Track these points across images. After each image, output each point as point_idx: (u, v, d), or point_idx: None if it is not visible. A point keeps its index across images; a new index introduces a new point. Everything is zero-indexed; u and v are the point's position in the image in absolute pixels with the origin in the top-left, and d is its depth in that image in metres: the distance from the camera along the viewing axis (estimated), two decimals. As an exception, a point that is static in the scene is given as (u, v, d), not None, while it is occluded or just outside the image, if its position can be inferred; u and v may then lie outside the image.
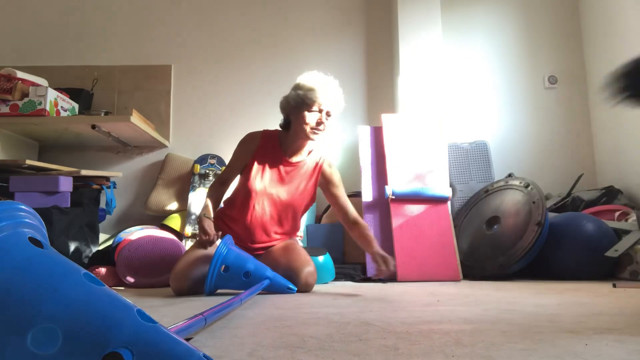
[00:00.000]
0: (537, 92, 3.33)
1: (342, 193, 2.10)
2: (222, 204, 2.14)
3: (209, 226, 1.91)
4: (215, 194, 2.07)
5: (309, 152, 2.09)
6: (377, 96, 3.31)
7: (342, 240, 2.77)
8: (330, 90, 1.96)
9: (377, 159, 2.75)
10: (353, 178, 3.10)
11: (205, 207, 1.99)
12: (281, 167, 2.03)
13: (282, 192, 2.02)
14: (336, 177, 2.11)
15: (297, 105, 1.96)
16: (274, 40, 3.35)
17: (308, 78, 1.99)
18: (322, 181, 2.10)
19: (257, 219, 2.01)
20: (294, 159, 2.06)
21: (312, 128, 1.94)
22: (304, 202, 2.08)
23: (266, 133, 2.09)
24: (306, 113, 1.94)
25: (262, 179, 2.01)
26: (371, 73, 3.34)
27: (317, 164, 2.08)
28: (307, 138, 1.97)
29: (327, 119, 1.96)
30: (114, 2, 3.37)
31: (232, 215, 2.06)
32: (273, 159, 2.03)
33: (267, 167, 2.02)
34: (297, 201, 2.05)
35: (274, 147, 2.05)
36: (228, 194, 2.17)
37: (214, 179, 2.47)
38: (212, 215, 1.97)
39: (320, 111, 1.94)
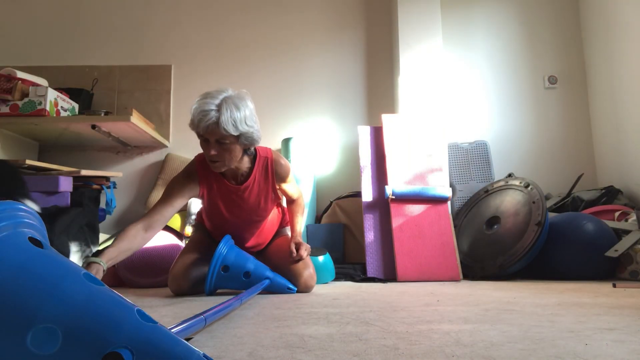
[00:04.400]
0: (537, 92, 3.33)
1: (288, 185, 1.97)
2: (202, 214, 2.04)
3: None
4: (131, 241, 1.62)
5: (254, 165, 1.87)
6: (377, 96, 3.31)
7: (342, 240, 2.77)
8: (204, 113, 1.63)
9: (377, 159, 2.75)
10: (353, 178, 3.11)
11: (106, 249, 1.54)
12: (234, 196, 1.87)
13: (246, 211, 1.91)
14: (286, 174, 1.93)
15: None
16: (275, 41, 3.35)
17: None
18: (277, 178, 1.94)
19: (235, 235, 1.96)
20: (241, 183, 1.87)
21: (209, 161, 1.74)
22: (271, 200, 1.95)
23: (199, 161, 1.87)
24: (201, 145, 1.74)
25: (222, 213, 1.89)
26: (371, 73, 3.34)
27: (266, 167, 1.89)
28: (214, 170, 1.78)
29: (221, 145, 1.69)
30: (114, 2, 3.37)
31: (214, 231, 2.02)
32: (220, 188, 1.86)
33: (219, 201, 1.87)
34: (265, 206, 1.93)
35: (215, 175, 1.85)
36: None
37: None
38: (105, 262, 1.48)
39: (206, 140, 1.70)
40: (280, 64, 3.32)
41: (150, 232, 1.69)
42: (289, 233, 2.13)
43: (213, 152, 1.69)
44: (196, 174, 1.84)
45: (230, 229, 1.94)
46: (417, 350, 0.80)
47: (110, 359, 0.48)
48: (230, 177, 1.86)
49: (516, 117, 3.31)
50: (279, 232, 2.15)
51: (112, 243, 1.58)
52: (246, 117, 1.69)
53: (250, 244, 2.02)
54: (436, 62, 3.07)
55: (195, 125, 1.67)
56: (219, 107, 1.64)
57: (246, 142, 1.74)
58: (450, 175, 2.99)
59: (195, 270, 1.86)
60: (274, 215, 2.07)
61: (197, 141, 1.76)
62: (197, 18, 3.36)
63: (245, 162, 1.85)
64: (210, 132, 1.66)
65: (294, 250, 1.90)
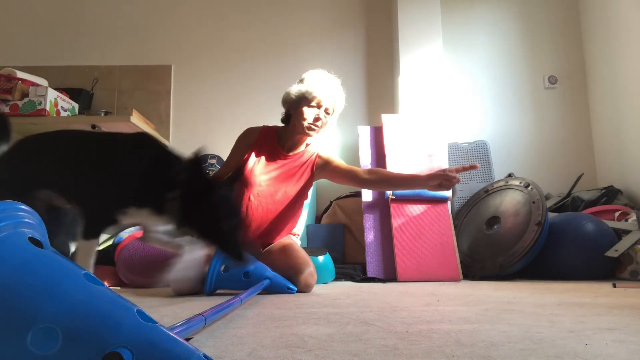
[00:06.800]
0: (537, 92, 3.33)
1: (342, 164, 2.05)
2: None
3: None
4: None
5: (307, 146, 2.11)
6: (377, 96, 3.31)
7: (342, 240, 2.77)
8: (331, 88, 1.98)
9: (377, 159, 2.75)
10: (353, 178, 3.11)
11: None
12: (278, 160, 2.05)
13: (277, 184, 2.03)
14: (332, 157, 2.05)
15: (297, 99, 1.98)
16: (275, 41, 3.35)
17: (311, 74, 2.02)
18: (320, 169, 2.05)
19: (253, 210, 2.01)
20: (291, 153, 2.07)
21: (309, 123, 1.96)
22: (299, 193, 2.06)
23: (265, 128, 2.12)
24: (305, 108, 1.96)
25: (259, 170, 2.03)
26: (371, 73, 3.34)
27: (311, 156, 2.07)
28: (304, 134, 1.98)
29: (325, 116, 1.97)
30: (114, 2, 3.37)
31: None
32: (270, 152, 2.05)
33: (263, 159, 2.04)
34: (293, 193, 2.04)
35: (272, 141, 2.07)
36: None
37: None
38: None
39: (319, 107, 1.96)
40: (281, 63, 3.32)
41: None
42: (292, 239, 2.15)
43: (320, 118, 1.95)
44: (257, 133, 2.07)
45: (255, 192, 1.99)
46: (417, 350, 0.80)
47: (110, 359, 0.48)
48: (285, 145, 2.05)
49: (516, 117, 3.31)
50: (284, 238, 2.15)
51: None
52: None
53: (264, 218, 2.01)
54: (436, 62, 3.07)
55: (320, 93, 1.93)
56: (340, 89, 2.01)
57: (332, 122, 2.03)
58: (450, 175, 2.99)
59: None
60: (289, 217, 2.08)
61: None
62: (197, 18, 3.36)
63: (304, 141, 2.07)
64: (331, 101, 1.96)
65: (443, 172, 1.77)
